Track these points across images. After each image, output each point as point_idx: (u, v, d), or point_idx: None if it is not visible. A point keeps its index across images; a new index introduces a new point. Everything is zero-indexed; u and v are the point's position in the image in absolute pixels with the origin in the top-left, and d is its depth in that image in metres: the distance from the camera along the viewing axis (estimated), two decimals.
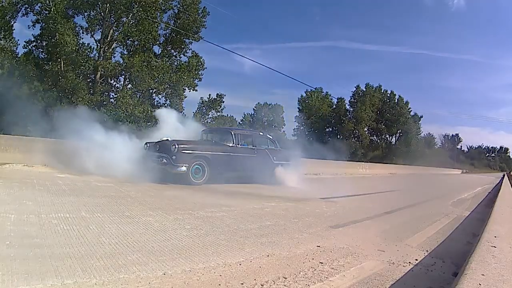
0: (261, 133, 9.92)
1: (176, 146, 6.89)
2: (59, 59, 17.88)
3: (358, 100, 38.70)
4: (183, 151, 6.94)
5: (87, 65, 18.65)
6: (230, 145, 7.89)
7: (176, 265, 2.35)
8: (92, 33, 19.60)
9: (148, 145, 7.60)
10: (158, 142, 7.42)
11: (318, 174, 15.24)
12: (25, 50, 19.14)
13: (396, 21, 69.34)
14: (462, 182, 20.48)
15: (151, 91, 20.11)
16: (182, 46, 21.27)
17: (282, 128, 46.66)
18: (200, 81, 21.47)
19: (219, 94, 23.11)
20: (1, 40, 17.92)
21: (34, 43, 19.13)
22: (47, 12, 18.03)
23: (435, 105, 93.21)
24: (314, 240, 3.40)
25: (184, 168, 6.87)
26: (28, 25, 18.78)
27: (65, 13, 17.94)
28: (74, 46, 17.74)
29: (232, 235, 3.33)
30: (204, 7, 21.08)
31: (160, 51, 21.22)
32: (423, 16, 72.04)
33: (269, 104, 47.18)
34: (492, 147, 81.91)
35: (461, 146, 71.94)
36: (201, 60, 21.27)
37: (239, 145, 8.01)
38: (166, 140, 7.27)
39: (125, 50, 20.35)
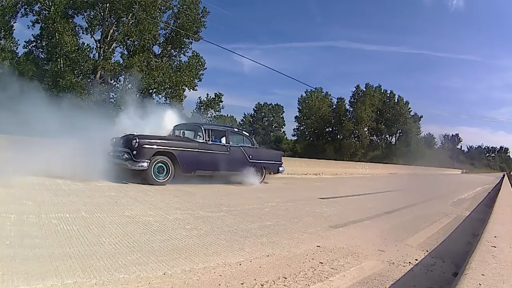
0: (236, 129, 9.07)
1: (137, 140, 6.28)
2: (59, 59, 17.89)
3: (358, 100, 38.74)
4: (144, 146, 6.29)
5: (87, 65, 18.65)
6: (200, 141, 7.22)
7: (176, 265, 2.35)
8: (92, 33, 19.64)
9: (114, 140, 7.03)
10: (123, 136, 6.80)
11: (318, 174, 15.24)
12: (25, 50, 19.18)
13: (396, 21, 69.30)
14: (462, 182, 20.48)
15: (151, 91, 20.12)
16: (182, 46, 21.29)
17: (282, 128, 46.86)
18: (200, 81, 21.51)
19: (218, 93, 23.14)
20: (1, 40, 17.93)
21: (34, 43, 19.16)
22: (46, 12, 18.04)
23: (435, 105, 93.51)
24: (314, 240, 3.40)
25: (144, 165, 6.22)
26: (28, 25, 18.83)
27: (64, 13, 17.96)
28: (73, 46, 17.76)
29: (232, 235, 3.33)
30: (204, 7, 21.14)
31: (160, 51, 21.25)
32: (422, 16, 71.99)
33: (269, 104, 47.32)
34: (492, 147, 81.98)
35: (461, 146, 72.03)
36: (201, 60, 21.29)
37: (210, 142, 7.32)
38: (130, 134, 6.61)
39: (125, 50, 20.39)
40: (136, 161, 6.24)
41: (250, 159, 8.09)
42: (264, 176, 8.64)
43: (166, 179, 6.53)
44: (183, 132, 7.98)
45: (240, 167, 7.88)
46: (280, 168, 9.10)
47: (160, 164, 6.49)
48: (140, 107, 10.31)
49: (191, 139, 7.39)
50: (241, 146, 8.06)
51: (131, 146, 6.33)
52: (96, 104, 16.33)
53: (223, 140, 7.78)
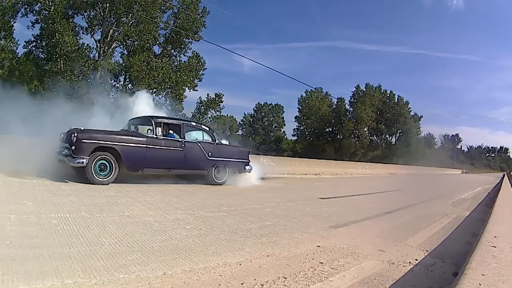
0: (193, 123, 8.06)
1: (76, 134, 5.78)
2: (59, 59, 17.88)
3: (358, 100, 38.77)
4: (83, 141, 5.76)
5: (87, 65, 18.65)
6: (149, 135, 6.58)
7: (176, 265, 2.35)
8: (92, 33, 19.63)
9: (62, 135, 6.48)
10: (68, 131, 6.22)
11: (318, 174, 15.25)
12: (25, 50, 19.17)
13: (396, 21, 69.59)
14: (462, 182, 20.48)
15: (151, 91, 20.12)
16: (182, 46, 21.29)
17: (282, 128, 46.89)
18: (200, 81, 21.50)
19: (218, 93, 23.12)
20: (1, 40, 17.93)
21: (34, 43, 19.14)
22: (46, 12, 18.03)
23: (435, 105, 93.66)
24: (314, 240, 3.40)
25: (83, 161, 5.66)
26: (28, 25, 18.82)
27: (64, 13, 17.95)
28: (73, 46, 17.74)
29: (232, 235, 3.33)
30: (204, 7, 21.13)
31: (160, 51, 21.24)
32: (422, 16, 72.22)
33: (269, 104, 47.34)
34: (492, 147, 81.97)
35: (461, 146, 72.04)
36: (201, 60, 21.29)
37: (161, 136, 6.68)
38: (73, 128, 6.07)
39: (125, 50, 20.39)
40: (75, 157, 5.69)
41: (209, 157, 7.34)
42: (227, 176, 7.75)
43: (109, 177, 5.89)
44: (136, 126, 7.22)
45: (197, 165, 7.17)
46: (247, 167, 8.22)
47: (102, 161, 5.90)
48: (114, 101, 10.23)
49: (139, 134, 6.70)
50: (198, 142, 7.31)
51: (71, 141, 5.84)
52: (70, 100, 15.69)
53: (178, 135, 7.06)
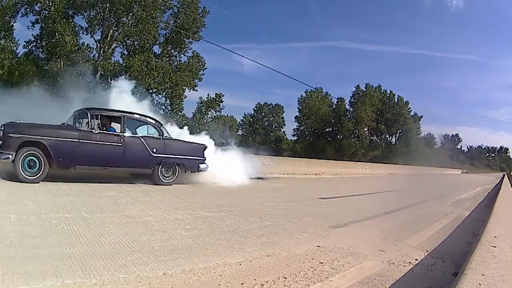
0: (137, 115, 6.92)
1: (3, 128, 5.46)
2: (59, 59, 17.88)
3: (358, 100, 38.73)
4: (10, 135, 5.37)
5: (87, 65, 18.65)
6: (83, 129, 6.00)
7: (176, 265, 2.35)
8: (92, 33, 19.61)
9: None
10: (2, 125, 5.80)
11: (318, 174, 15.24)
12: (25, 50, 19.16)
13: (396, 21, 69.52)
14: (462, 182, 20.48)
15: (151, 91, 20.11)
16: (182, 46, 21.27)
17: (282, 128, 46.86)
18: (200, 81, 21.48)
19: (218, 94, 23.12)
20: (1, 40, 17.92)
21: (34, 43, 19.13)
22: (46, 12, 18.02)
23: (435, 105, 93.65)
24: (314, 240, 3.40)
25: (9, 157, 5.28)
26: (28, 25, 18.81)
27: (64, 13, 17.93)
28: (73, 46, 17.74)
29: (232, 235, 3.33)
30: (204, 7, 21.10)
31: (160, 51, 21.22)
32: (422, 17, 72.22)
33: (269, 104, 47.32)
34: (492, 147, 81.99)
35: (461, 146, 72.02)
36: (201, 60, 21.28)
37: (97, 130, 6.09)
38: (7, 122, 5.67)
39: (125, 50, 20.36)
40: (2, 153, 5.34)
41: (154, 153, 6.61)
42: (177, 175, 6.94)
43: (37, 175, 5.43)
44: (76, 119, 6.53)
45: (138, 162, 6.52)
46: (202, 166, 7.26)
47: (31, 157, 5.46)
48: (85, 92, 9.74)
49: (72, 127, 6.10)
50: (141, 136, 6.60)
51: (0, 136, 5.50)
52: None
53: (119, 128, 6.42)
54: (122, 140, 6.28)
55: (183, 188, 6.53)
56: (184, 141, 7.40)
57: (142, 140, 6.57)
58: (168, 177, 6.85)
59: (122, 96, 8.77)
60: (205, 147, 7.46)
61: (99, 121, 6.28)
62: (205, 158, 7.37)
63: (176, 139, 7.19)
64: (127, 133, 6.43)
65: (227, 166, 8.32)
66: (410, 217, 5.48)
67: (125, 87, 9.43)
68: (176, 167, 6.92)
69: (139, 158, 6.49)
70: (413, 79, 79.07)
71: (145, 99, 9.96)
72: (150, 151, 6.58)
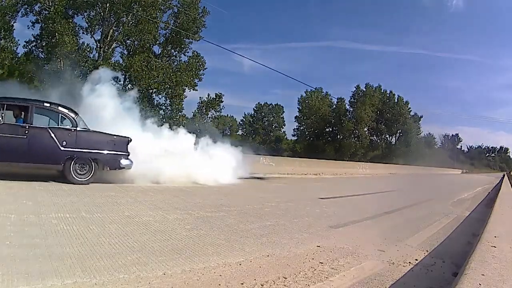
0: (47, 104, 6.09)
1: None
2: (59, 59, 17.88)
3: (358, 100, 38.71)
4: None
5: (87, 65, 18.65)
6: None
7: (176, 265, 2.35)
8: (92, 33, 19.61)
9: None
10: None
11: (318, 174, 15.24)
12: (25, 50, 19.16)
13: (396, 21, 69.38)
14: (462, 182, 20.48)
15: (151, 91, 20.11)
16: (182, 46, 21.27)
17: (282, 128, 46.87)
18: (200, 81, 21.48)
19: (218, 94, 23.12)
20: (1, 40, 17.92)
21: (34, 43, 19.13)
22: (46, 12, 18.03)
23: (435, 105, 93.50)
24: (314, 240, 3.40)
25: None
26: (28, 25, 18.81)
27: (64, 13, 17.93)
28: (73, 46, 17.74)
29: (232, 235, 3.33)
30: (204, 7, 21.09)
31: (160, 51, 21.22)
32: (422, 17, 72.15)
33: (269, 104, 47.33)
34: (492, 147, 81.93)
35: (461, 146, 71.98)
36: (201, 60, 21.27)
37: (1, 121, 5.43)
38: None
39: (125, 50, 20.37)
40: None
41: (64, 147, 5.80)
42: (93, 173, 6.01)
43: None
44: None
45: (45, 157, 5.75)
46: (124, 162, 6.31)
47: None
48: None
49: None
50: (49, 127, 5.79)
51: None
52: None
53: (25, 119, 5.73)
54: (26, 131, 5.55)
55: (183, 188, 6.53)
56: (104, 133, 6.31)
57: (50, 131, 5.77)
58: (83, 174, 5.94)
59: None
60: (129, 140, 6.47)
61: (5, 111, 5.55)
62: (128, 153, 6.43)
63: (93, 131, 6.21)
64: (36, 123, 5.69)
65: (210, 164, 7.86)
66: (410, 217, 5.49)
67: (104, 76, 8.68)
68: (92, 163, 6.03)
69: (45, 152, 5.74)
70: (413, 79, 78.99)
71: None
72: (59, 144, 5.79)
